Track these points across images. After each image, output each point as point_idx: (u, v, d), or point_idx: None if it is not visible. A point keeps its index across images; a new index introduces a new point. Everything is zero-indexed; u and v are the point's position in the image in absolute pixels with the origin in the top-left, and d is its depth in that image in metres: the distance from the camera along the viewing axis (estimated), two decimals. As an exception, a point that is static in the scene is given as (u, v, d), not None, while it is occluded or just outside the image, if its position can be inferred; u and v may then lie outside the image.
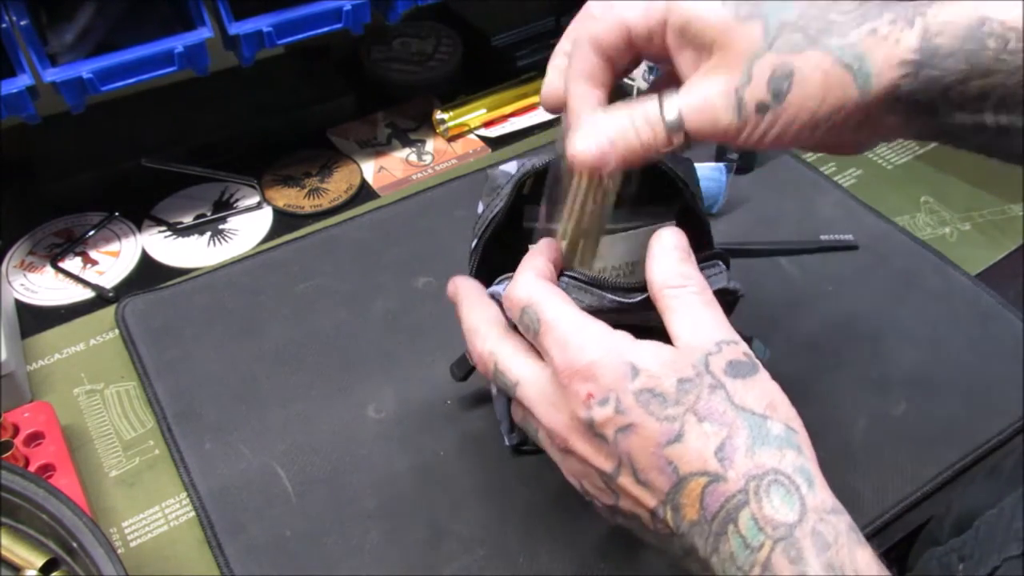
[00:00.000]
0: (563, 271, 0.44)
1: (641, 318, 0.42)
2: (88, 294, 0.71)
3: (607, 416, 0.36)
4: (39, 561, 0.45)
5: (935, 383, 0.64)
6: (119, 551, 0.52)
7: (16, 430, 0.57)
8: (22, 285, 0.72)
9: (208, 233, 0.77)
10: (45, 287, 0.72)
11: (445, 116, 0.86)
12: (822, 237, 0.75)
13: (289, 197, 0.80)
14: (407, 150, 0.86)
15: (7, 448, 0.55)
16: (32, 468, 0.55)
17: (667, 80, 0.41)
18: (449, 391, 0.62)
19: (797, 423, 0.37)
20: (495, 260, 0.49)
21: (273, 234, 0.77)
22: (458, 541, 0.55)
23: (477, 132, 0.88)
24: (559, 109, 0.43)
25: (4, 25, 0.59)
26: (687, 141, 0.39)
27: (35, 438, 0.57)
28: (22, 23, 0.60)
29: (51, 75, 0.62)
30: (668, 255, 0.41)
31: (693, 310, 0.39)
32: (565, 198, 0.44)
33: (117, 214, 0.78)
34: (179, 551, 0.55)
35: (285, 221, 0.78)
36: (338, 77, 0.91)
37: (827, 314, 0.69)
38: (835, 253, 0.73)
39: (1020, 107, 0.34)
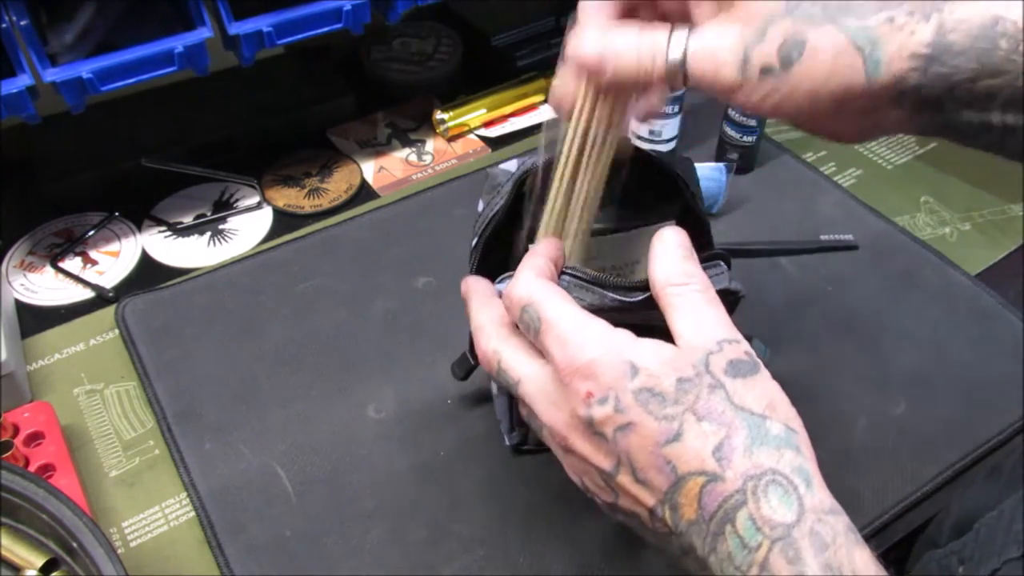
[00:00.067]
0: (564, 270, 0.44)
1: (643, 317, 0.42)
2: (88, 294, 0.71)
3: (606, 415, 0.36)
4: (39, 561, 0.45)
5: (935, 383, 0.64)
6: (119, 551, 0.52)
7: (16, 430, 0.57)
8: (22, 285, 0.72)
9: (208, 233, 0.77)
10: (45, 287, 0.72)
11: (445, 116, 0.86)
12: (822, 237, 0.75)
13: (289, 197, 0.80)
14: (407, 150, 0.86)
15: (7, 448, 0.55)
16: (32, 468, 0.55)
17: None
18: (449, 391, 0.62)
19: (797, 423, 0.37)
20: (496, 259, 0.49)
21: (273, 234, 0.77)
22: (458, 541, 0.55)
23: (477, 132, 0.88)
24: (564, 106, 0.43)
25: (4, 25, 0.59)
26: (683, 83, 0.39)
27: (35, 438, 0.57)
28: (22, 23, 0.60)
29: (51, 75, 0.62)
30: (671, 253, 0.41)
31: (696, 308, 0.39)
32: (549, 191, 0.44)
33: (117, 214, 0.78)
34: (179, 551, 0.55)
35: (285, 221, 0.78)
36: (338, 77, 0.91)
37: (827, 314, 0.69)
38: (835, 253, 0.73)
39: None
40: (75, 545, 0.44)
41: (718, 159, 0.82)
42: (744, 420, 0.35)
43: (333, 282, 0.71)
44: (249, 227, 0.78)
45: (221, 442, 0.59)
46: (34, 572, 0.45)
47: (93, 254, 0.75)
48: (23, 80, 0.62)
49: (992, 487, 0.50)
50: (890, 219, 0.78)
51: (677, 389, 0.36)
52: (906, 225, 0.78)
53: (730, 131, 0.80)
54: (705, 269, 0.42)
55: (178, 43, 0.65)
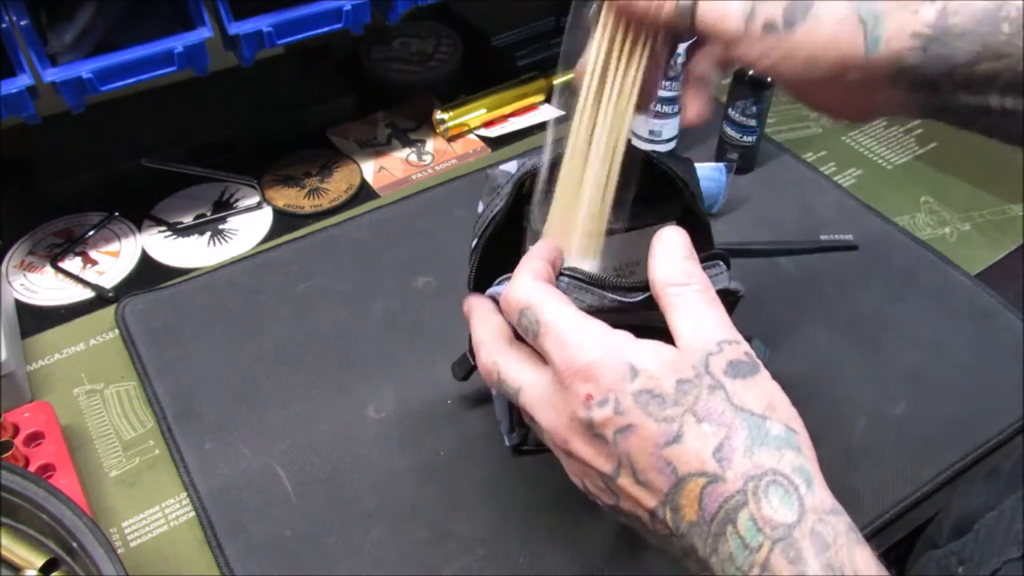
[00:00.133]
0: (562, 271, 0.43)
1: (642, 318, 0.42)
2: (88, 294, 0.71)
3: (606, 417, 0.36)
4: (39, 561, 0.45)
5: (935, 383, 0.64)
6: (119, 551, 0.52)
7: (16, 430, 0.57)
8: (22, 285, 0.72)
9: (208, 233, 0.77)
10: (45, 287, 0.72)
11: (445, 116, 0.86)
12: (822, 237, 0.75)
13: (289, 197, 0.80)
14: (407, 150, 0.86)
15: (7, 448, 0.55)
16: (32, 468, 0.55)
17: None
18: (449, 391, 0.62)
19: (797, 423, 0.37)
20: (495, 260, 0.49)
21: (273, 234, 0.77)
22: (458, 541, 0.55)
23: (477, 132, 0.88)
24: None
25: (4, 25, 0.59)
26: (690, 27, 0.39)
27: (35, 438, 0.57)
28: (22, 23, 0.60)
29: (51, 75, 0.62)
30: (671, 253, 0.41)
31: (696, 308, 0.39)
32: (557, 183, 0.44)
33: (117, 214, 0.78)
34: (179, 551, 0.55)
35: (285, 221, 0.78)
36: (338, 77, 0.91)
37: (827, 314, 0.69)
38: (835, 253, 0.73)
39: None
40: (75, 545, 0.44)
41: (718, 159, 0.82)
42: (744, 421, 0.35)
43: (333, 282, 0.71)
44: (249, 227, 0.78)
45: (221, 442, 0.59)
46: (34, 572, 0.45)
47: (93, 254, 0.75)
48: (23, 80, 0.62)
49: (992, 487, 0.50)
50: (890, 219, 0.78)
51: (677, 390, 0.36)
52: (906, 225, 0.78)
53: (730, 131, 0.80)
54: (705, 269, 0.42)
55: (178, 43, 0.65)
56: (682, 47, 0.46)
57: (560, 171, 0.46)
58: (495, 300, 0.45)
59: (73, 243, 0.75)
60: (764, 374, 0.37)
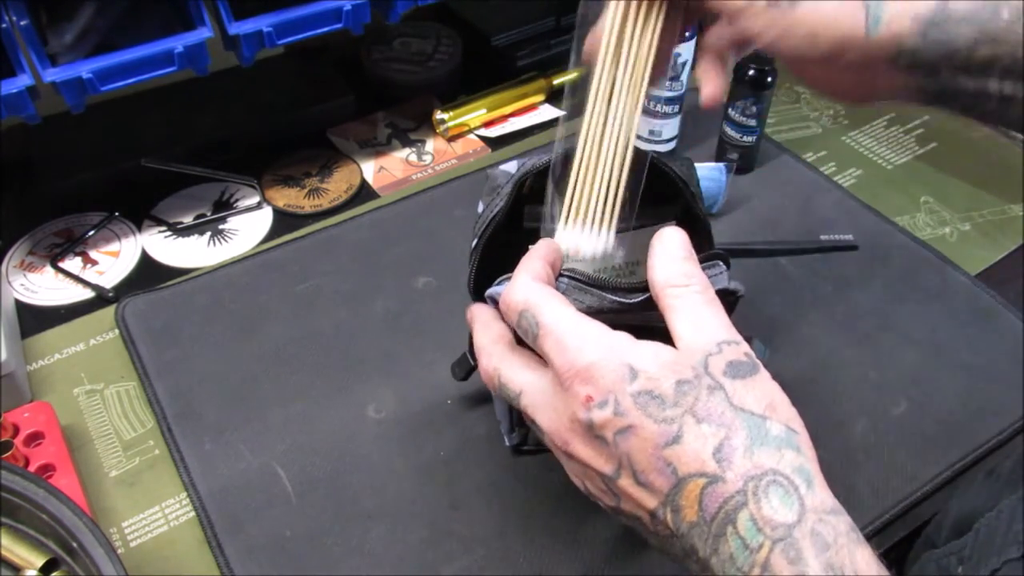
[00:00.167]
0: (562, 272, 0.43)
1: (642, 318, 0.42)
2: (88, 294, 0.71)
3: (606, 418, 0.36)
4: (39, 561, 0.45)
5: (935, 383, 0.64)
6: (119, 551, 0.52)
7: (16, 430, 0.57)
8: (22, 285, 0.72)
9: (208, 233, 0.77)
10: (45, 287, 0.72)
11: (445, 116, 0.86)
12: (822, 237, 0.75)
13: (289, 197, 0.80)
14: (407, 150, 0.86)
15: (7, 448, 0.55)
16: (32, 468, 0.55)
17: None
18: (449, 391, 0.62)
19: (797, 423, 0.37)
20: (495, 260, 0.49)
21: (273, 234, 0.77)
22: (458, 541, 0.55)
23: (477, 132, 0.88)
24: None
25: (4, 25, 0.59)
26: None
27: (35, 438, 0.57)
28: (22, 23, 0.60)
29: (51, 75, 0.62)
30: (671, 254, 0.41)
31: (695, 310, 0.39)
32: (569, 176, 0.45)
33: (117, 214, 0.78)
34: (179, 551, 0.55)
35: (285, 221, 0.78)
36: (338, 77, 0.91)
37: (827, 314, 0.69)
38: (835, 253, 0.73)
39: None
40: (75, 545, 0.44)
41: (718, 159, 0.82)
42: (744, 421, 0.35)
43: (333, 282, 0.71)
44: (249, 227, 0.78)
45: (221, 442, 0.59)
46: (34, 572, 0.45)
47: (93, 254, 0.75)
48: (23, 80, 0.62)
49: (991, 487, 0.50)
50: (890, 219, 0.78)
51: (676, 391, 0.36)
52: (906, 225, 0.78)
53: (730, 131, 0.80)
54: (705, 269, 0.42)
55: (178, 43, 0.65)
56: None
57: (576, 153, 0.46)
58: (495, 301, 0.45)
59: (73, 243, 0.75)
60: (764, 374, 0.37)
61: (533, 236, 0.46)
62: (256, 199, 0.80)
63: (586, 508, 0.50)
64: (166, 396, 0.62)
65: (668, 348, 0.38)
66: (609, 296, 0.43)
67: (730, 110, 0.79)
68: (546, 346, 0.39)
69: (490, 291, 0.46)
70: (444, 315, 0.68)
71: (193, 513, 0.56)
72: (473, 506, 0.56)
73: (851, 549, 0.33)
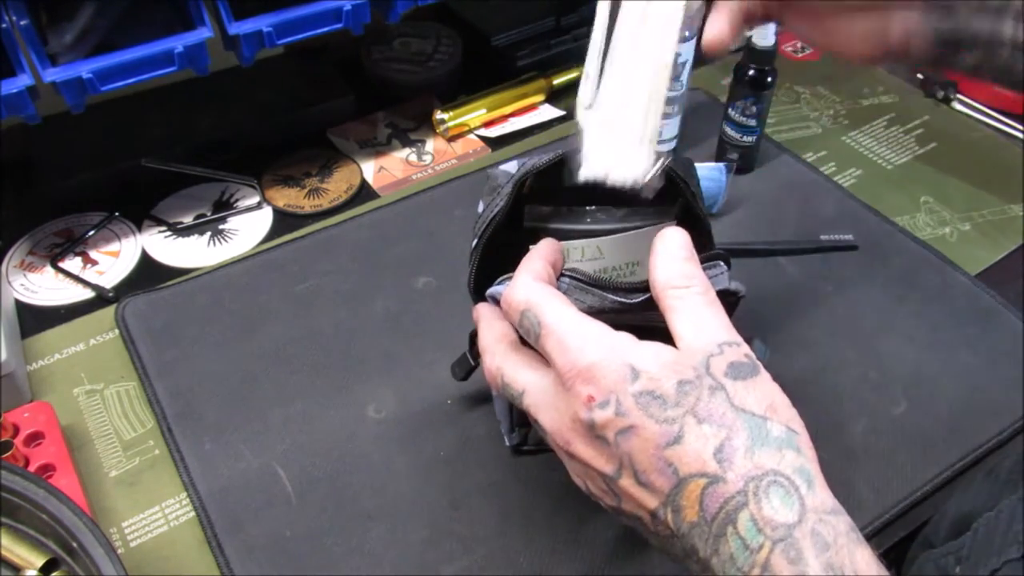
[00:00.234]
0: (563, 272, 0.43)
1: (643, 318, 0.42)
2: (88, 294, 0.71)
3: (607, 418, 0.36)
4: (39, 561, 0.45)
5: (935, 383, 0.64)
6: (119, 551, 0.52)
7: (16, 430, 0.57)
8: (22, 285, 0.72)
9: (208, 233, 0.77)
10: (45, 287, 0.72)
11: (445, 116, 0.86)
12: (822, 237, 0.75)
13: (289, 197, 0.80)
14: (407, 150, 0.86)
15: (7, 448, 0.55)
16: (32, 468, 0.55)
17: None
18: (449, 391, 0.62)
19: (798, 424, 0.37)
20: (495, 260, 0.49)
21: (273, 234, 0.77)
22: (458, 541, 0.55)
23: (477, 132, 0.88)
24: None
25: (4, 25, 0.59)
26: None
27: (35, 438, 0.57)
28: (22, 23, 0.60)
29: (51, 75, 0.62)
30: (672, 255, 0.41)
31: (696, 311, 0.39)
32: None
33: (117, 214, 0.78)
34: (179, 551, 0.55)
35: (285, 221, 0.78)
36: (338, 77, 0.91)
37: (827, 314, 0.69)
38: (835, 253, 0.73)
39: None
40: (75, 545, 0.44)
41: (718, 159, 0.82)
42: (745, 421, 0.35)
43: (333, 282, 0.71)
44: (249, 227, 0.78)
45: (221, 442, 0.59)
46: (34, 572, 0.45)
47: (93, 254, 0.75)
48: (23, 80, 0.62)
49: (990, 487, 0.50)
50: (890, 219, 0.78)
51: (678, 391, 0.36)
52: (906, 225, 0.78)
53: (730, 131, 0.80)
54: (705, 269, 0.42)
55: (178, 43, 0.65)
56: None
57: (615, 30, 0.42)
58: (496, 300, 0.45)
59: (73, 243, 0.75)
60: (764, 375, 0.37)
61: (533, 236, 0.46)
62: (256, 199, 0.80)
63: (587, 508, 0.50)
64: (166, 396, 0.62)
65: (670, 348, 0.38)
66: (610, 296, 0.43)
67: (730, 110, 0.79)
68: (548, 346, 0.39)
69: (491, 290, 0.46)
70: (444, 315, 0.68)
71: (193, 513, 0.56)
72: (473, 506, 0.56)
73: (851, 549, 0.33)
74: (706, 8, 0.46)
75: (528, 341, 0.41)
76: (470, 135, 0.88)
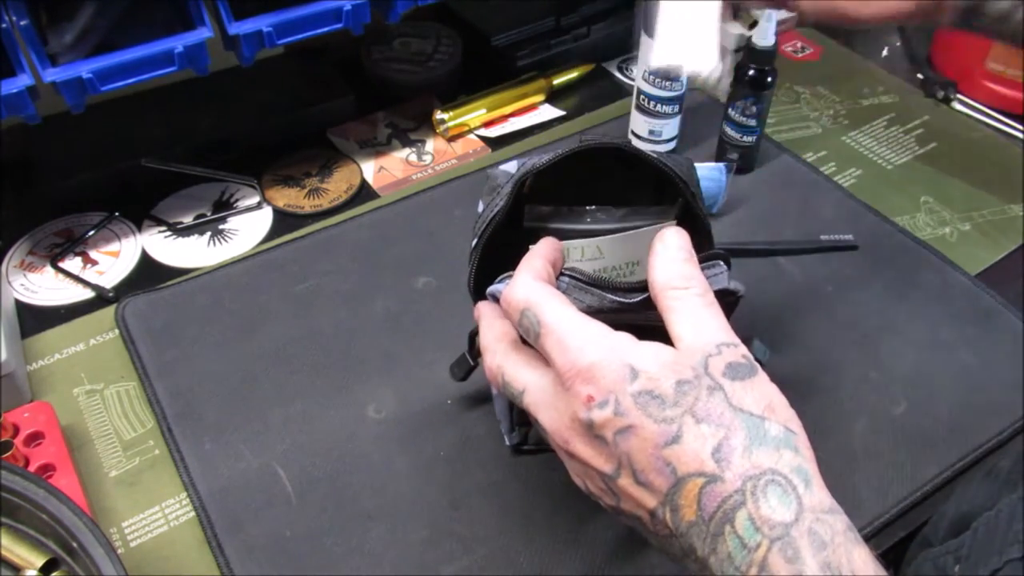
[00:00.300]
0: (563, 271, 0.44)
1: (642, 318, 0.42)
2: (88, 294, 0.71)
3: (606, 418, 0.36)
4: (39, 561, 0.45)
5: (935, 383, 0.64)
6: (119, 551, 0.52)
7: (16, 430, 0.57)
8: (22, 285, 0.72)
9: (208, 233, 0.77)
10: (45, 287, 0.72)
11: (445, 116, 0.86)
12: (822, 237, 0.75)
13: (289, 197, 0.80)
14: (407, 150, 0.86)
15: (7, 448, 0.55)
16: (32, 468, 0.55)
17: None
18: (449, 391, 0.62)
19: (796, 424, 0.37)
20: (495, 260, 0.49)
21: (273, 234, 0.77)
22: (458, 541, 0.55)
23: (477, 132, 0.88)
24: None
25: (4, 25, 0.59)
26: None
27: (35, 438, 0.57)
28: (22, 23, 0.60)
29: (51, 75, 0.62)
30: (671, 256, 0.41)
31: (695, 312, 0.39)
32: None
33: (117, 214, 0.78)
34: (179, 551, 0.55)
35: (285, 221, 0.78)
36: (338, 77, 0.91)
37: (827, 314, 0.69)
38: (835, 253, 0.73)
39: None
40: (75, 545, 0.44)
41: (718, 159, 0.82)
42: (743, 421, 0.35)
43: (333, 282, 0.71)
44: (249, 227, 0.78)
45: (221, 442, 0.60)
46: (34, 572, 0.45)
47: (93, 254, 0.75)
48: (23, 80, 0.62)
49: (989, 486, 0.50)
50: (890, 219, 0.78)
51: (676, 391, 0.36)
52: (906, 225, 0.78)
53: (730, 131, 0.80)
54: (705, 269, 0.42)
55: (178, 43, 0.65)
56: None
57: None
58: (496, 298, 0.45)
59: (73, 243, 0.75)
60: (762, 376, 0.38)
61: (533, 236, 0.46)
62: (256, 199, 0.80)
63: (587, 508, 0.50)
64: (166, 396, 0.62)
65: (668, 348, 0.38)
66: (609, 296, 0.43)
67: (730, 110, 0.79)
68: (548, 345, 0.39)
69: (491, 288, 0.46)
70: (444, 315, 0.68)
71: (193, 513, 0.56)
72: (473, 506, 0.56)
73: (848, 548, 0.33)
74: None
75: (528, 340, 0.41)
76: (470, 135, 0.88)
